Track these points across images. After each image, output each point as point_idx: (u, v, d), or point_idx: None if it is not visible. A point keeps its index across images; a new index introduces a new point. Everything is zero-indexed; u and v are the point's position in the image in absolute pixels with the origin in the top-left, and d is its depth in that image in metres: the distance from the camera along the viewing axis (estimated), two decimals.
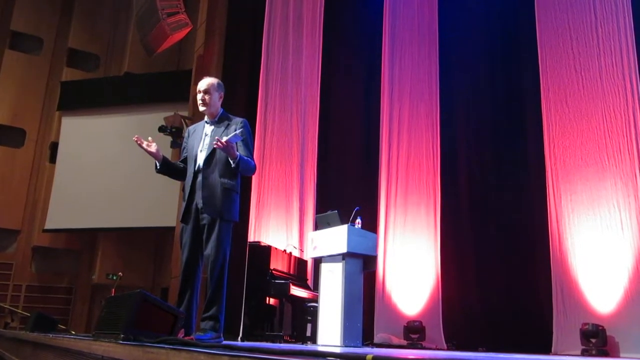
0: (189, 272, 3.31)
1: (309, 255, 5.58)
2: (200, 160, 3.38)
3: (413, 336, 5.54)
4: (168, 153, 8.38)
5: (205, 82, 3.51)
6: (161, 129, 8.79)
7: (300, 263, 6.15)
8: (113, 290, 7.98)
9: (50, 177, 10.87)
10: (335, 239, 4.31)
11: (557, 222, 5.11)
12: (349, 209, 4.52)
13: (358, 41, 7.36)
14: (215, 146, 3.19)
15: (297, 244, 6.63)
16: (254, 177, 7.21)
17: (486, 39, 6.34)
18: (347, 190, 6.77)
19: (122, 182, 10.19)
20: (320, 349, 2.97)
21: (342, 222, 4.37)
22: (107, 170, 10.35)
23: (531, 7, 5.73)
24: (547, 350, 4.84)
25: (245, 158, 3.31)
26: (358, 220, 4.43)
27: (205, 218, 3.27)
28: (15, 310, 10.11)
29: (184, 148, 3.63)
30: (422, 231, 5.99)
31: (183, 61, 11.49)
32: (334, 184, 6.95)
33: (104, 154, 10.49)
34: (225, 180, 3.30)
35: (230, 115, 3.54)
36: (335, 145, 7.25)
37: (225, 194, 3.29)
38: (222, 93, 3.55)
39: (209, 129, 3.48)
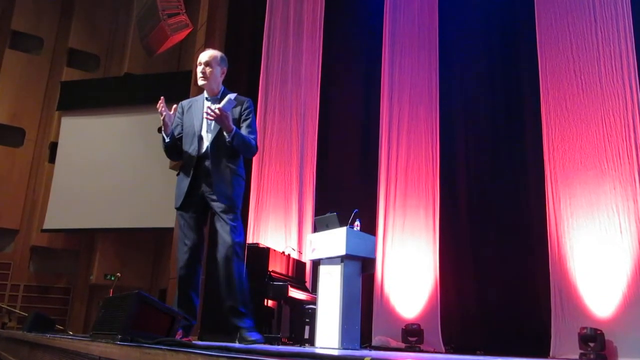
0: (190, 266, 3.12)
1: (307, 257, 5.57)
2: (207, 144, 3.14)
3: (411, 339, 5.53)
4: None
5: (207, 54, 3.21)
6: (160, 130, 8.79)
7: (299, 265, 6.14)
8: (111, 290, 7.98)
9: (49, 177, 10.86)
10: (334, 241, 4.29)
11: (556, 225, 5.11)
12: (348, 211, 4.51)
13: (358, 44, 7.36)
14: (206, 117, 2.97)
15: (295, 246, 6.61)
16: (252, 178, 7.21)
17: (486, 43, 6.35)
18: (346, 192, 6.76)
19: (121, 183, 10.19)
20: (318, 351, 2.95)
21: (341, 225, 4.35)
22: (106, 171, 10.35)
23: (531, 11, 5.74)
24: (545, 354, 4.83)
25: (243, 134, 3.08)
26: (357, 223, 4.41)
27: (217, 206, 3.05)
28: (13, 310, 10.09)
29: (178, 125, 3.36)
30: (421, 234, 5.98)
31: (183, 62, 11.50)
32: (333, 186, 6.94)
33: (103, 155, 10.49)
34: (233, 167, 3.10)
35: (233, 93, 3.17)
36: (334, 147, 7.25)
37: (235, 180, 3.09)
38: (225, 69, 3.25)
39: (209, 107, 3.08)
